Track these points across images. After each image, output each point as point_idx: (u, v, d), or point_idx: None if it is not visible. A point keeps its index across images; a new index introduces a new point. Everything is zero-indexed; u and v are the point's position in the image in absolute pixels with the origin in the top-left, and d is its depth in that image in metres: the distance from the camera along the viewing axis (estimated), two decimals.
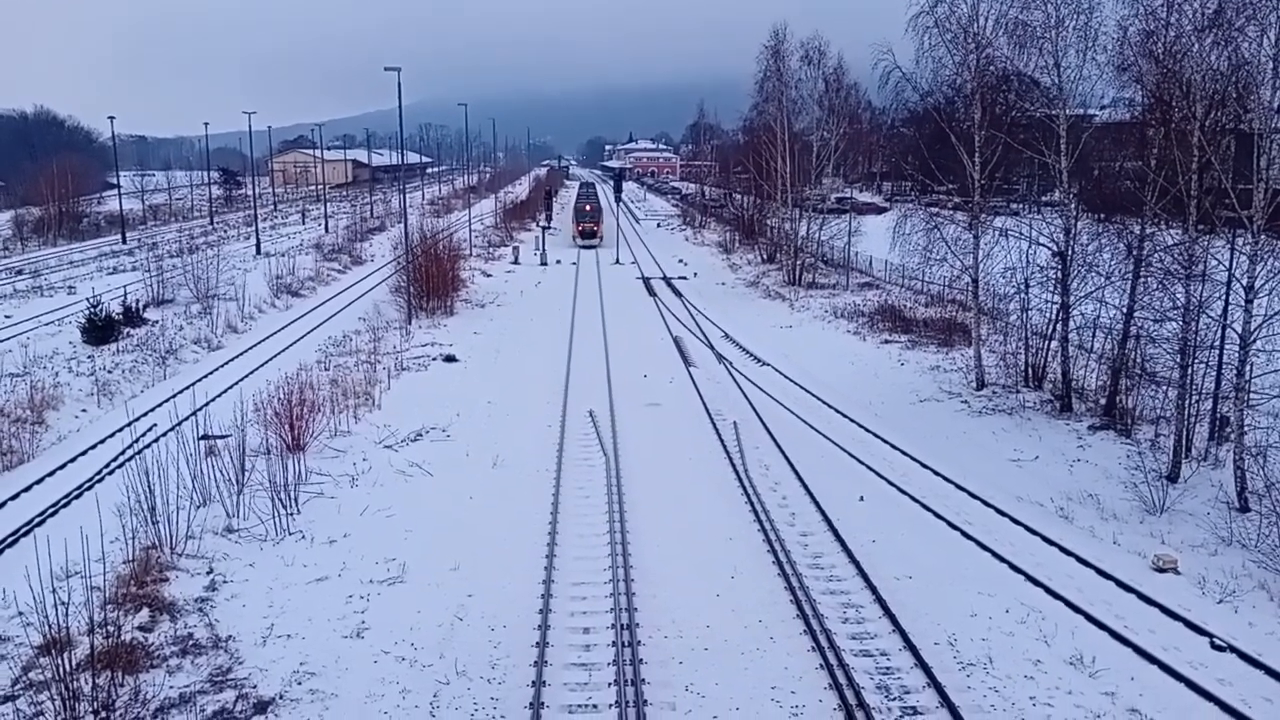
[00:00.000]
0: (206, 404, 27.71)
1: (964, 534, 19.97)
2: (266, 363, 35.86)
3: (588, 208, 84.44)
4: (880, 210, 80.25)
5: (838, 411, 29.81)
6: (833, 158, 61.64)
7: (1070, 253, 28.81)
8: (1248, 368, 21.75)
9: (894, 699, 13.89)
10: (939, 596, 17.08)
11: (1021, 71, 31.10)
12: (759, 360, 37.45)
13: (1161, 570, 18.21)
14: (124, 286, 48.14)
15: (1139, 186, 26.00)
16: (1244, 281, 21.49)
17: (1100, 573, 18.05)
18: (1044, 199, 42.21)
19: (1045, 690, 14.14)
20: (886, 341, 40.12)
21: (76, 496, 22.11)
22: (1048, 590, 17.26)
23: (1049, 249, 29.84)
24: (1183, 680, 14.31)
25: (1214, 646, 15.39)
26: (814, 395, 31.84)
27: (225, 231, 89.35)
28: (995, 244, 32.36)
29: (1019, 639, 15.64)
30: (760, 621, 16.12)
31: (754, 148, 67.30)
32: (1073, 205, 29.22)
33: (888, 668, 14.73)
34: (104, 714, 12.92)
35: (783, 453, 25.26)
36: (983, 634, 15.77)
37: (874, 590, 17.13)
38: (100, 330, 37.99)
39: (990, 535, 19.85)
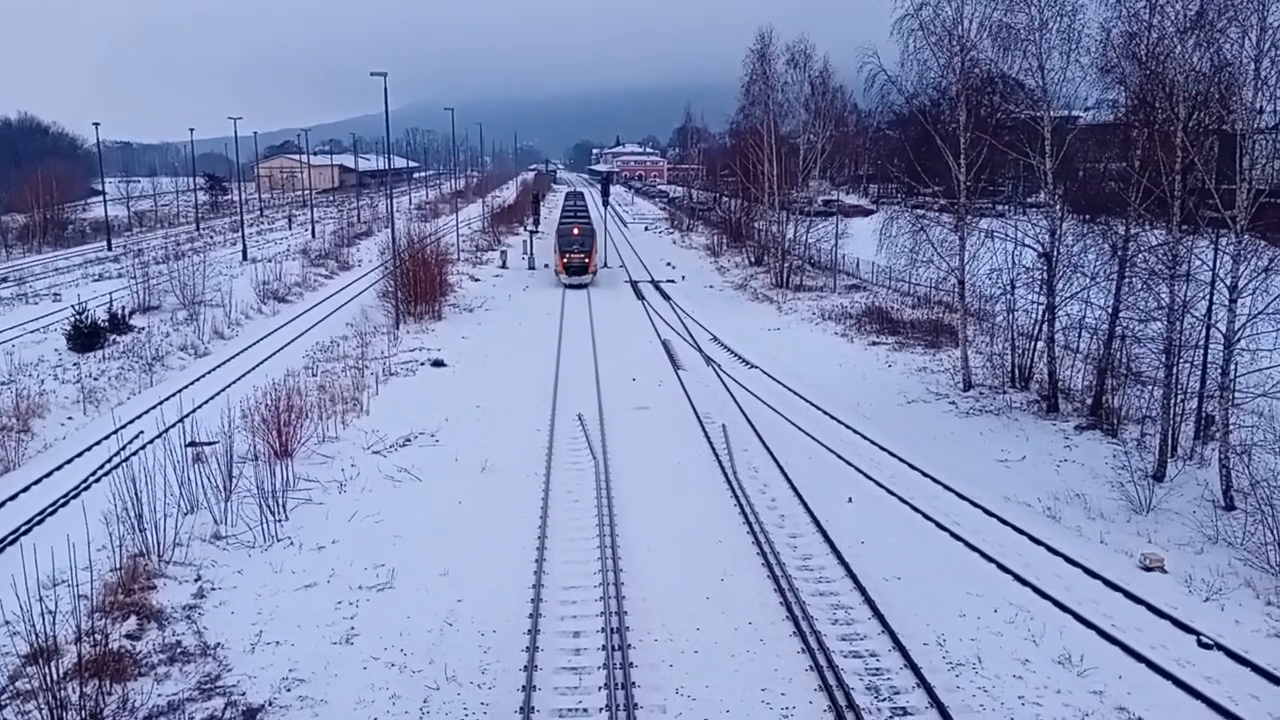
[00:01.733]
0: (193, 411, 27.60)
1: (952, 534, 20.04)
2: (254, 369, 35.73)
3: (575, 231, 60.55)
4: (867, 213, 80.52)
5: (826, 413, 29.87)
6: (819, 160, 61.82)
7: (1055, 254, 28.96)
8: (1232, 367, 21.90)
9: (884, 699, 13.93)
10: (928, 597, 17.14)
11: (1006, 74, 31.29)
12: (747, 363, 37.50)
13: (1148, 569, 18.32)
14: (110, 293, 47.92)
15: (1123, 187, 26.16)
16: (1228, 281, 21.64)
17: (1088, 572, 18.15)
18: (1029, 200, 42.43)
19: (1034, 689, 14.20)
20: (874, 343, 40.24)
21: (63, 504, 21.99)
22: (1036, 590, 17.34)
23: (1034, 250, 29.99)
24: (1170, 678, 14.40)
25: (1201, 644, 15.49)
26: (802, 397, 31.90)
27: (211, 238, 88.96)
28: (981, 245, 32.49)
29: (1007, 638, 15.71)
30: (750, 623, 16.15)
31: (741, 151, 67.42)
32: (1058, 206, 29.39)
33: (877, 668, 14.78)
34: None
35: (771, 455, 25.30)
36: (971, 634, 15.84)
37: (863, 591, 17.17)
38: (86, 337, 37.77)
39: (978, 535, 19.93)
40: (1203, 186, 22.70)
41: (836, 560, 18.64)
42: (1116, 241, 26.50)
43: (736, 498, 22.11)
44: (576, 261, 59.07)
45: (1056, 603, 16.83)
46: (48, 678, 12.85)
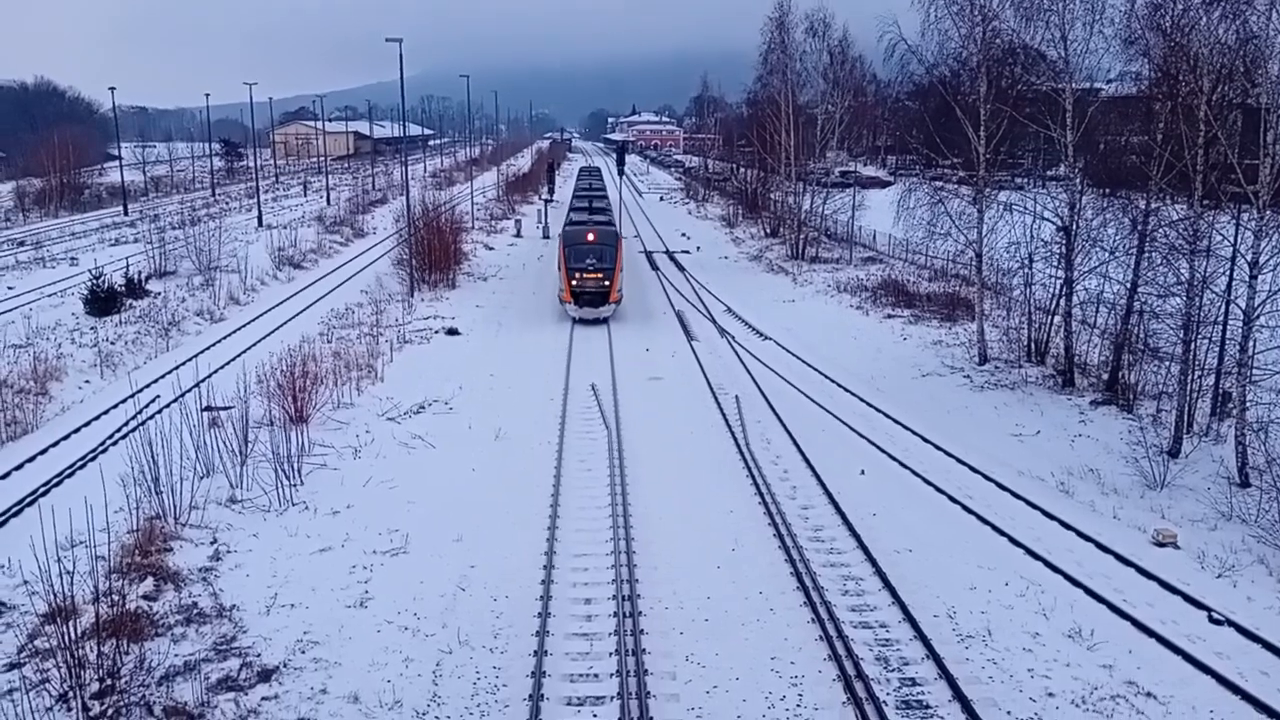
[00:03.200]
0: (209, 375, 27.79)
1: (965, 508, 20.04)
2: (269, 335, 35.88)
3: (590, 236, 40.14)
4: (884, 184, 79.92)
5: (840, 386, 29.82)
6: (837, 131, 61.26)
7: (1075, 228, 28.72)
8: (1251, 343, 21.74)
9: (893, 670, 13.99)
10: (939, 569, 17.17)
11: (1028, 44, 30.90)
12: (761, 334, 37.43)
13: (1161, 545, 18.29)
14: (126, 258, 48.10)
15: (1144, 161, 25.88)
16: (1248, 257, 21.45)
17: (1100, 547, 18.14)
18: (1049, 173, 42.04)
19: (1043, 662, 14.24)
20: (889, 316, 40.08)
21: (80, 467, 22.20)
22: (1047, 564, 17.35)
23: (1053, 224, 29.76)
24: (1180, 653, 14.41)
25: (1212, 620, 15.48)
26: (816, 369, 31.84)
27: (227, 203, 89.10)
28: (1000, 218, 32.24)
29: (1018, 612, 15.74)
30: (760, 593, 16.23)
31: (758, 121, 66.90)
32: (1078, 180, 29.10)
33: (887, 639, 14.84)
34: (109, 681, 13.05)
35: (784, 426, 25.30)
36: (982, 607, 15.87)
37: (874, 563, 17.21)
38: (103, 302, 37.99)
39: (991, 509, 19.92)
40: (1225, 161, 22.43)
41: (848, 532, 18.68)
42: (1136, 216, 26.24)
43: (748, 468, 22.14)
44: (591, 286, 38.00)
45: (1068, 577, 16.83)
46: (66, 637, 13.04)
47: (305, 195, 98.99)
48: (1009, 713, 12.99)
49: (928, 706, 13.15)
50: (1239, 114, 23.41)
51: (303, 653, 14.37)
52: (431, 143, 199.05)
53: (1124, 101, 30.74)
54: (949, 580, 16.75)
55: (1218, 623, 15.40)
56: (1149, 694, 13.46)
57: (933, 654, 14.20)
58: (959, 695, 13.16)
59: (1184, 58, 23.48)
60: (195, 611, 15.45)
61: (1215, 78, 22.67)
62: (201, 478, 20.60)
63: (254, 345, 34.02)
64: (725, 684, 13.61)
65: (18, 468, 22.07)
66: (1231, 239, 22.47)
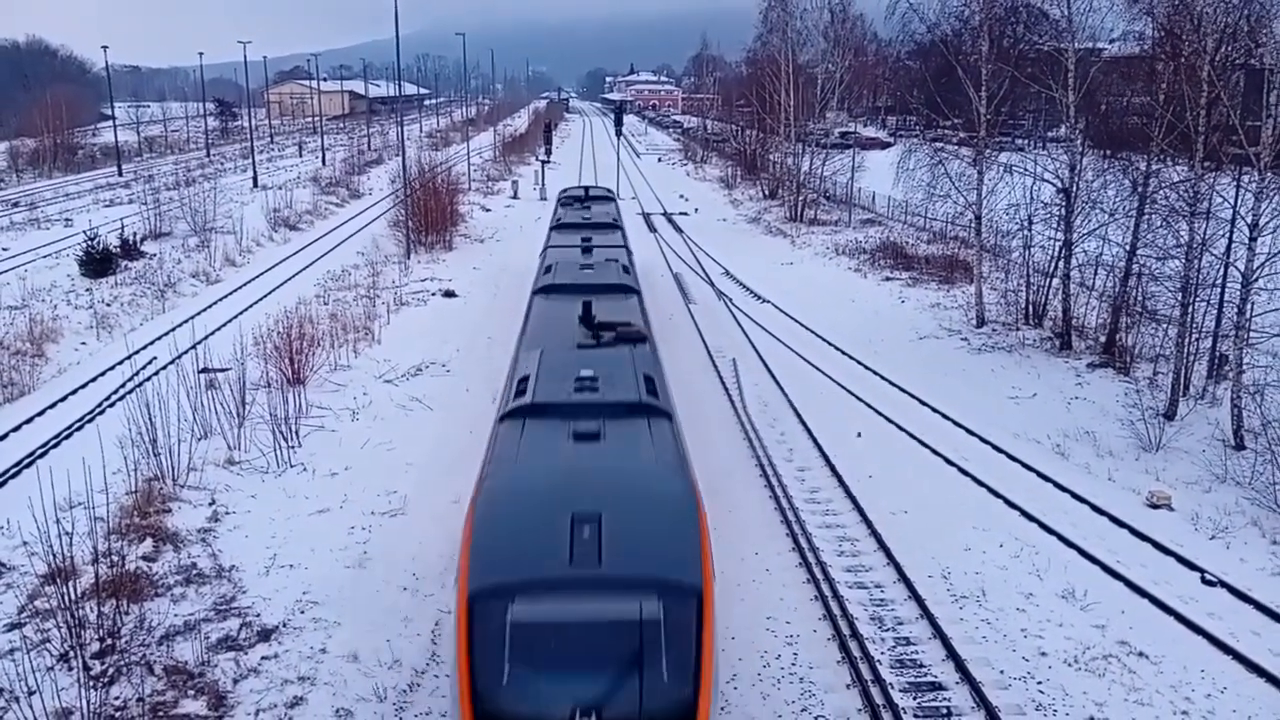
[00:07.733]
0: (206, 337, 27.71)
1: (960, 470, 20.11)
2: (265, 296, 35.77)
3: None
4: (884, 145, 79.42)
5: (837, 348, 29.80)
6: (837, 91, 60.75)
7: (1075, 189, 28.57)
8: (1248, 306, 21.72)
9: (887, 630, 14.11)
10: (934, 531, 17.26)
11: (1030, 3, 30.55)
12: (759, 297, 37.34)
13: (1155, 507, 18.39)
14: (121, 219, 47.79)
15: (1146, 122, 25.70)
16: (1248, 219, 21.37)
17: (1094, 509, 18.24)
18: (1050, 134, 41.78)
19: (1036, 623, 14.37)
20: (888, 279, 39.97)
21: (78, 428, 22.21)
22: (1042, 525, 17.45)
23: (1053, 185, 29.60)
24: (1173, 614, 14.55)
25: (1205, 581, 15.61)
26: (814, 332, 31.80)
27: (222, 164, 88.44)
28: (999, 180, 32.08)
29: (1012, 573, 15.85)
30: (756, 554, 16.32)
31: (757, 80, 66.26)
32: (1078, 141, 28.91)
33: (882, 600, 14.96)
34: (110, 641, 13.15)
35: (781, 389, 25.32)
36: (976, 568, 15.98)
37: (869, 524, 17.31)
38: (98, 263, 37.82)
39: (987, 471, 19.99)
40: (1227, 122, 22.27)
41: (844, 494, 18.76)
42: (1137, 177, 26.10)
43: (745, 431, 22.18)
44: None
45: (1062, 538, 16.94)
46: (66, 597, 13.12)
47: (300, 156, 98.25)
48: (1002, 672, 13.12)
49: (922, 665, 13.28)
50: (1242, 74, 23.22)
51: (302, 613, 14.46)
52: (427, 102, 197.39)
53: (1126, 61, 30.48)
54: (944, 542, 16.86)
55: (1210, 584, 15.52)
56: (1141, 654, 13.60)
57: (927, 614, 14.31)
58: (953, 655, 13.28)
59: (1187, 16, 23.24)
60: (194, 572, 15.53)
61: (1219, 37, 22.45)
62: (199, 439, 20.61)
63: (250, 307, 33.93)
64: (721, 644, 13.71)
65: (15, 429, 22.08)
66: (1232, 201, 22.37)
